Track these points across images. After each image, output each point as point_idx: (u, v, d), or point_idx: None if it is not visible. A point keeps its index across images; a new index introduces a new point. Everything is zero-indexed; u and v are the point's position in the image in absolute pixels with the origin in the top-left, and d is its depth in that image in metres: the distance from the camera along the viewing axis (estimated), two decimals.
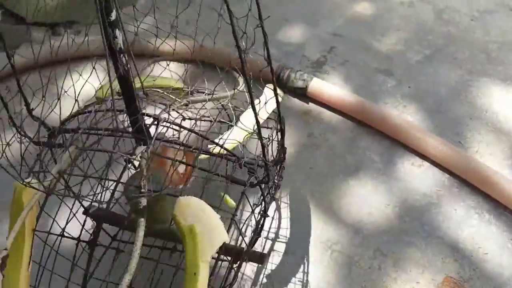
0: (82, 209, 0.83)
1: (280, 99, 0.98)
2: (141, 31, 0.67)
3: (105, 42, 0.51)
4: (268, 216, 0.85)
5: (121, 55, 0.56)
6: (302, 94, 1.27)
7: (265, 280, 0.95)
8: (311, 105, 1.27)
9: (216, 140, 0.71)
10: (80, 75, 0.66)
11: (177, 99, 0.75)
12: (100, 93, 0.80)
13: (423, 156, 1.14)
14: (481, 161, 1.10)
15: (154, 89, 0.81)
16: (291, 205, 1.07)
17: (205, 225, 0.60)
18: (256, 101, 0.60)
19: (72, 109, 0.71)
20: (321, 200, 1.07)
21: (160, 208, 0.79)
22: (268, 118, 0.90)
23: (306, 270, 0.96)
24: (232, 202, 0.94)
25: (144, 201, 0.62)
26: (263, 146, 0.65)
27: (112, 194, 0.88)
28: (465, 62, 1.38)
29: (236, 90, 0.85)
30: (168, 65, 0.82)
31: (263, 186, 0.75)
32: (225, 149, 0.70)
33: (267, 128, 0.92)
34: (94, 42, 0.71)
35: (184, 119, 0.87)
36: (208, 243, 0.60)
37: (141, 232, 0.58)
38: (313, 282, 0.94)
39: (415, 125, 1.17)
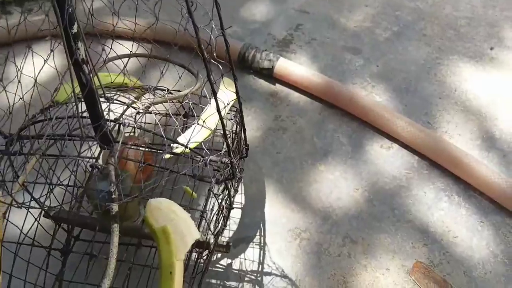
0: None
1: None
2: (99, 6, 0.61)
3: (68, 54, 0.51)
4: (233, 208, 0.82)
5: (84, 65, 0.56)
6: (269, 75, 1.21)
7: (234, 268, 0.91)
8: (278, 86, 1.22)
9: (180, 139, 0.68)
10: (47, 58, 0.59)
11: (138, 102, 0.70)
12: (59, 96, 0.75)
13: (392, 138, 1.11)
14: (451, 142, 1.08)
15: (113, 88, 0.77)
16: (256, 192, 1.03)
17: (177, 225, 0.61)
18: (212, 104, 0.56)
19: (29, 102, 0.64)
20: (289, 187, 1.04)
21: (124, 206, 0.76)
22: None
23: (272, 260, 0.93)
24: (192, 193, 0.91)
25: (116, 207, 0.59)
26: (228, 147, 0.63)
27: (80, 201, 0.85)
28: (434, 39, 1.35)
29: (195, 88, 0.80)
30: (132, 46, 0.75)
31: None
32: (190, 149, 0.66)
33: (229, 119, 0.87)
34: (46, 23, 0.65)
35: (145, 113, 0.82)
36: (181, 242, 0.61)
37: (115, 238, 0.58)
38: (282, 272, 0.91)
39: (383, 106, 1.13)
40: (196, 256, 0.81)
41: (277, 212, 1.00)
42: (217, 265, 0.91)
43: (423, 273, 0.91)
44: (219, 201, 0.78)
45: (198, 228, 0.71)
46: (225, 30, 0.57)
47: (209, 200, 0.77)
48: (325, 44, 1.33)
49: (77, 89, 0.62)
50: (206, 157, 0.66)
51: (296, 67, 1.20)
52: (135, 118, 0.68)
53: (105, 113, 0.65)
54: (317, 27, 1.38)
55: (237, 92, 0.60)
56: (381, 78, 1.25)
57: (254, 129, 1.13)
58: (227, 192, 0.80)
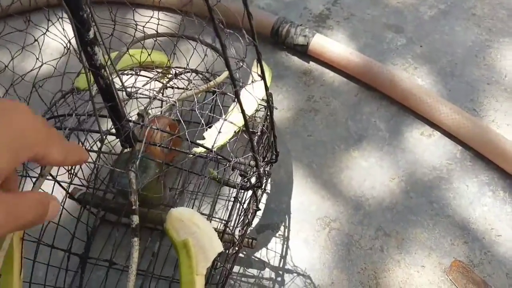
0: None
1: (269, 80, 0.86)
2: None
3: (85, 61, 0.48)
4: (260, 209, 0.77)
5: (102, 70, 0.51)
6: (303, 52, 1.14)
7: (257, 256, 0.86)
8: (312, 65, 1.15)
9: (206, 135, 0.63)
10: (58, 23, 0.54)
11: (162, 99, 0.65)
12: (79, 83, 0.71)
13: (434, 125, 1.03)
14: (498, 132, 0.99)
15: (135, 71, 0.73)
16: (284, 176, 0.97)
17: (198, 239, 0.57)
18: (242, 93, 0.50)
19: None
20: (320, 173, 0.97)
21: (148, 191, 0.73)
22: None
23: (298, 249, 0.87)
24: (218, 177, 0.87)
25: (136, 219, 0.55)
26: (256, 159, 0.57)
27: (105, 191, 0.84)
28: (484, 20, 1.24)
29: (222, 77, 0.74)
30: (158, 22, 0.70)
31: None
32: (215, 153, 0.61)
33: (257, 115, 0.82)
34: None
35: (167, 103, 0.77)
36: (203, 257, 0.57)
37: (135, 253, 0.54)
38: (308, 263, 0.86)
39: (426, 90, 1.05)
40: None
41: (305, 199, 0.94)
42: (241, 252, 0.87)
43: (461, 273, 0.84)
44: (245, 207, 0.73)
45: (222, 236, 0.67)
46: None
47: (234, 206, 0.72)
48: (364, 20, 1.24)
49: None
50: (232, 160, 0.61)
51: (333, 44, 1.11)
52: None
53: (127, 109, 0.61)
54: (356, 2, 1.28)
55: (265, 86, 0.53)
56: (425, 60, 1.15)
57: (285, 109, 1.07)
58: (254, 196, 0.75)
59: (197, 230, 0.58)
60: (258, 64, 0.47)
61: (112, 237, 0.87)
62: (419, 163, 0.98)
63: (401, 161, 0.99)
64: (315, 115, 1.05)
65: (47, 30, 0.49)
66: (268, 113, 0.78)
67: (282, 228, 0.91)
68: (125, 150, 0.64)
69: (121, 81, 0.61)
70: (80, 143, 0.71)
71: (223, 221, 0.74)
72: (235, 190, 0.92)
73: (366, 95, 1.09)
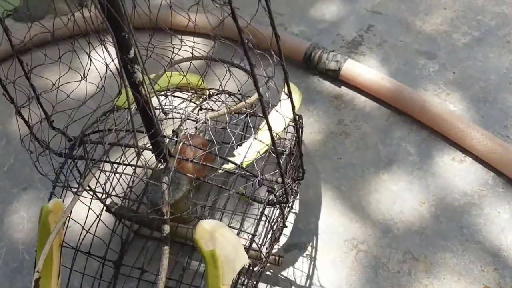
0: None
1: (298, 102, 0.89)
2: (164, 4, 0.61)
3: (125, 77, 0.52)
4: (287, 227, 0.80)
5: (140, 87, 0.56)
6: (335, 76, 1.17)
7: (284, 275, 0.88)
8: (343, 89, 1.17)
9: (236, 152, 0.67)
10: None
11: (196, 117, 0.69)
12: (119, 101, 0.77)
13: (466, 151, 1.03)
14: None
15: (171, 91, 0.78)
16: (313, 197, 0.98)
17: (226, 250, 0.60)
18: (272, 112, 0.54)
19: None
20: (349, 195, 0.98)
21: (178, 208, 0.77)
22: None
23: (325, 269, 0.88)
24: (247, 199, 0.91)
25: (167, 229, 0.59)
26: (282, 175, 0.60)
27: (139, 205, 0.89)
28: None
29: (253, 98, 0.78)
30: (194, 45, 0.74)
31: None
32: (243, 168, 0.65)
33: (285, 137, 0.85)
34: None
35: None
36: (229, 268, 0.61)
37: (165, 261, 0.58)
38: (335, 284, 0.86)
39: (458, 116, 1.05)
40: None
41: (333, 220, 0.95)
42: (268, 270, 0.88)
43: None
44: (272, 224, 0.75)
45: (249, 250, 0.70)
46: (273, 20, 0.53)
47: (261, 223, 0.74)
48: (397, 47, 1.26)
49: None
50: (259, 176, 0.64)
51: (364, 69, 1.14)
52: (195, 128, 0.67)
53: (162, 126, 0.65)
54: (389, 29, 1.31)
55: (292, 104, 0.56)
56: (457, 86, 1.16)
57: (315, 132, 1.09)
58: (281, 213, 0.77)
59: (224, 241, 0.61)
60: (286, 84, 0.50)
61: (144, 250, 0.91)
62: (449, 188, 0.98)
63: (431, 185, 0.99)
64: (345, 138, 1.07)
65: (89, 54, 0.54)
66: (295, 132, 0.81)
67: (309, 248, 0.92)
68: (160, 166, 0.68)
69: (158, 100, 0.66)
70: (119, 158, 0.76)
71: (250, 235, 0.76)
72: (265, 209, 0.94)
73: (397, 119, 1.10)
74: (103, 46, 0.52)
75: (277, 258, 0.83)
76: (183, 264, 0.84)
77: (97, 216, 0.78)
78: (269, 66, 0.51)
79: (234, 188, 0.77)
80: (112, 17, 0.46)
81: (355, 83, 1.14)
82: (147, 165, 0.69)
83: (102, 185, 0.72)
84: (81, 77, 0.65)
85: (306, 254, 0.91)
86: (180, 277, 0.78)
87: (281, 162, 0.71)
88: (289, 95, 0.54)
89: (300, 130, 0.73)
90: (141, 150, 0.64)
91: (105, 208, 0.86)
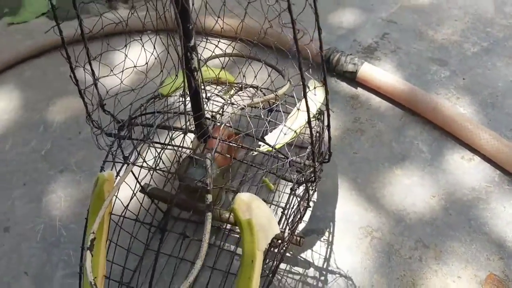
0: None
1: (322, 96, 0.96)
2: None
3: (184, 64, 0.61)
4: (310, 207, 0.87)
5: (195, 73, 0.65)
6: (352, 78, 1.24)
7: (302, 259, 0.94)
8: (360, 90, 1.25)
9: (267, 138, 0.74)
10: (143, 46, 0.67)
11: (233, 104, 0.77)
12: (163, 89, 0.85)
13: (474, 150, 1.10)
14: None
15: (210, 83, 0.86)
16: (330, 187, 1.05)
17: (260, 219, 0.67)
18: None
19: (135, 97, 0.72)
20: (364, 187, 1.05)
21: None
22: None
23: (341, 253, 0.95)
24: (271, 185, 1.02)
25: (210, 198, 0.66)
26: (313, 153, 0.68)
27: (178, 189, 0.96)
28: None
29: (285, 88, 0.86)
30: (218, 43, 0.82)
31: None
32: (276, 149, 0.73)
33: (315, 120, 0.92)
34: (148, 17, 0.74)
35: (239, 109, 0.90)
36: (263, 235, 0.67)
37: (208, 225, 0.65)
38: (350, 266, 0.93)
39: (467, 118, 1.12)
40: (274, 248, 0.87)
41: (349, 209, 1.02)
42: (288, 252, 0.95)
43: (496, 286, 0.89)
44: (299, 201, 0.82)
45: (278, 224, 0.77)
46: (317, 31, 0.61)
47: (290, 198, 0.81)
48: (410, 54, 1.34)
49: (180, 86, 0.71)
50: (289, 158, 0.71)
51: (380, 72, 1.21)
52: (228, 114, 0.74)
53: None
54: (403, 37, 1.39)
55: (326, 99, 0.65)
56: (467, 91, 1.23)
57: (333, 128, 1.16)
58: (306, 192, 0.84)
59: (259, 212, 0.68)
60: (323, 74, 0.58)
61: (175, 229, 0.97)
62: (459, 184, 1.05)
63: (441, 181, 1.06)
64: (361, 135, 1.14)
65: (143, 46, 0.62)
66: (321, 122, 0.88)
67: (326, 233, 0.98)
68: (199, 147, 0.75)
69: (204, 86, 0.73)
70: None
71: (281, 208, 0.83)
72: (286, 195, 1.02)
73: (410, 119, 1.17)
74: (169, 36, 0.60)
75: (298, 238, 0.89)
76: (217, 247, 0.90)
77: (133, 193, 0.86)
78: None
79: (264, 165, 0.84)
80: (183, 10, 0.54)
81: (371, 85, 1.22)
82: (190, 146, 0.76)
83: (146, 161, 0.79)
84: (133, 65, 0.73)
85: (324, 239, 0.98)
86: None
87: (309, 145, 0.79)
88: (325, 83, 0.61)
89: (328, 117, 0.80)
90: (187, 131, 0.71)
91: (140, 188, 0.93)
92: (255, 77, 0.84)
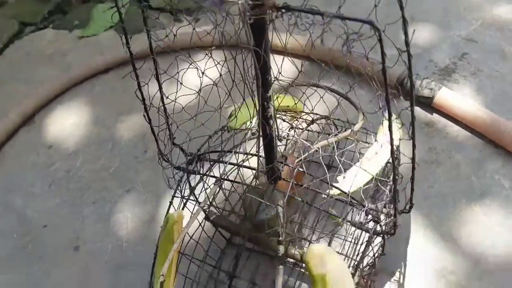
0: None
1: (399, 134, 0.90)
2: None
3: (260, 112, 0.58)
4: (385, 254, 0.82)
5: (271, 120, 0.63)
6: (427, 104, 1.17)
7: None
8: (436, 116, 1.17)
9: (340, 179, 0.70)
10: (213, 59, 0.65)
11: (311, 146, 0.74)
12: (232, 123, 0.83)
13: None
14: None
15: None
16: (402, 223, 0.99)
17: (334, 274, 0.65)
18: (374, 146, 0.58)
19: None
20: (439, 224, 0.99)
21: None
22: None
23: None
24: (339, 220, 0.98)
25: (282, 250, 0.64)
26: (395, 200, 0.63)
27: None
28: None
29: (359, 125, 0.82)
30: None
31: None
32: (351, 197, 0.69)
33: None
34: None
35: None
36: None
37: (280, 280, 0.65)
38: None
39: None
40: None
41: (422, 248, 0.96)
42: None
43: None
44: (374, 252, 0.77)
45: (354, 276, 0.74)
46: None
47: (366, 249, 0.77)
48: (493, 77, 1.24)
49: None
50: (366, 206, 0.67)
51: (459, 99, 1.14)
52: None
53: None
54: (485, 57, 1.29)
55: (413, 137, 0.60)
56: None
57: (405, 158, 1.10)
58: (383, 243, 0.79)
59: (333, 266, 0.65)
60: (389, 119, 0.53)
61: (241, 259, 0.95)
62: None
63: None
64: (436, 167, 1.08)
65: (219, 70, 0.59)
66: (396, 165, 0.83)
67: (397, 274, 0.93)
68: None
69: (277, 126, 0.71)
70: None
71: (351, 259, 0.79)
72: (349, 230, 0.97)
73: (492, 151, 1.09)
74: (245, 84, 0.57)
75: (369, 282, 0.85)
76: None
77: (200, 224, 0.85)
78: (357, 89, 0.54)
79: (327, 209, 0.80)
80: (264, 63, 0.52)
81: (449, 112, 1.14)
82: (258, 186, 0.74)
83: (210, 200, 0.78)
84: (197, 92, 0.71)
85: (394, 280, 0.92)
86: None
87: (387, 191, 0.74)
88: (412, 125, 0.57)
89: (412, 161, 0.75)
90: (258, 173, 0.69)
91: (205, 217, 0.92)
92: (312, 103, 0.81)
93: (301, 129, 0.97)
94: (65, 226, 1.06)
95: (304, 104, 0.89)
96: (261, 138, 0.65)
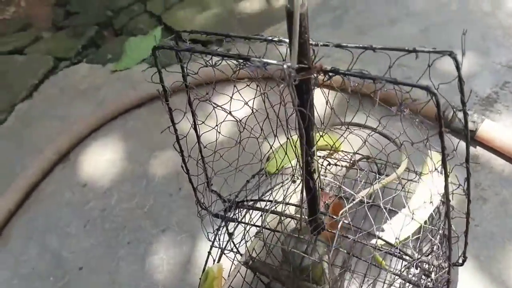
0: None
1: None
2: None
3: (304, 168, 0.56)
4: None
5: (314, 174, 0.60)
6: (470, 136, 1.12)
7: None
8: (479, 150, 1.13)
9: (386, 228, 0.67)
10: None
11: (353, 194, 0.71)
12: (270, 167, 0.81)
13: None
14: None
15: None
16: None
17: None
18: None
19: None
20: (488, 266, 0.93)
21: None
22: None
23: None
24: (384, 264, 0.90)
25: None
26: (449, 257, 0.59)
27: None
28: None
29: (403, 167, 0.78)
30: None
31: None
32: (400, 250, 0.65)
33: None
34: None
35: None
36: None
37: None
38: None
39: None
40: None
41: None
42: None
43: None
44: None
45: None
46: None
47: None
48: None
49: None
50: (416, 258, 0.63)
51: (503, 131, 1.09)
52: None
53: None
54: None
55: (468, 192, 0.56)
56: None
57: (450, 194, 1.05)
58: None
59: None
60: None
61: None
62: None
63: None
64: (483, 204, 1.03)
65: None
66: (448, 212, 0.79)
67: None
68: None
69: (320, 180, 0.68)
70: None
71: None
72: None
73: None
74: (288, 137, 0.55)
75: None
76: None
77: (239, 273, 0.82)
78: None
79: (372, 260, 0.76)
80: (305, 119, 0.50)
81: (493, 145, 1.09)
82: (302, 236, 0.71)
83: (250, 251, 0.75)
84: (236, 142, 0.69)
85: None
86: None
87: (437, 241, 0.70)
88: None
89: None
90: (304, 222, 0.66)
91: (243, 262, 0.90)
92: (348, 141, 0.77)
93: (342, 166, 0.94)
94: (100, 268, 1.05)
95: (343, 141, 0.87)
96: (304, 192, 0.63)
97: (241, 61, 0.46)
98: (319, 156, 0.92)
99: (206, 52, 0.48)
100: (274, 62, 0.43)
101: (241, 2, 1.92)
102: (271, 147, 0.66)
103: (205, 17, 1.88)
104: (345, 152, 0.92)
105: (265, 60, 0.44)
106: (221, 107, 0.62)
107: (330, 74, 0.43)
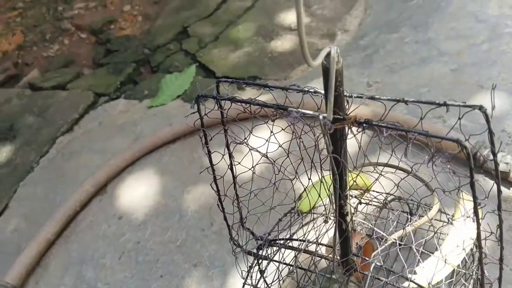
0: None
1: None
2: None
3: (337, 211, 0.57)
4: None
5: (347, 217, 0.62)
6: (503, 178, 1.12)
7: None
8: None
9: (419, 271, 0.67)
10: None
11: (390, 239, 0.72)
12: (303, 206, 0.83)
13: None
14: None
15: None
16: None
17: None
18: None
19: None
20: None
21: None
22: None
23: None
24: None
25: None
26: None
27: None
28: None
29: (436, 206, 0.79)
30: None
31: None
32: None
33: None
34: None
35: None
36: None
37: None
38: None
39: None
40: None
41: None
42: None
43: None
44: None
45: None
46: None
47: None
48: None
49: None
50: None
51: None
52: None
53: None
54: None
55: (501, 239, 0.56)
56: None
57: (483, 236, 1.04)
58: None
59: None
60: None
61: None
62: None
63: None
64: None
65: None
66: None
67: None
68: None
69: (351, 218, 0.69)
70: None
71: None
72: None
73: None
74: (320, 178, 0.57)
75: None
76: None
77: None
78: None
79: None
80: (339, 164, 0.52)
81: None
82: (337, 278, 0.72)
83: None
84: (270, 182, 0.72)
85: None
86: None
87: (470, 286, 0.70)
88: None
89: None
90: (332, 269, 0.67)
91: None
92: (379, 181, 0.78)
93: (374, 205, 0.95)
94: None
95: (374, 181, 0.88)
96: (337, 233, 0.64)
97: (280, 110, 0.49)
98: (351, 196, 0.93)
99: (247, 102, 0.51)
100: (311, 112, 0.46)
101: (272, 41, 1.98)
102: (305, 189, 0.68)
103: (238, 56, 1.95)
104: (377, 192, 0.93)
105: (302, 110, 0.47)
106: (257, 150, 0.65)
107: (364, 125, 0.45)
